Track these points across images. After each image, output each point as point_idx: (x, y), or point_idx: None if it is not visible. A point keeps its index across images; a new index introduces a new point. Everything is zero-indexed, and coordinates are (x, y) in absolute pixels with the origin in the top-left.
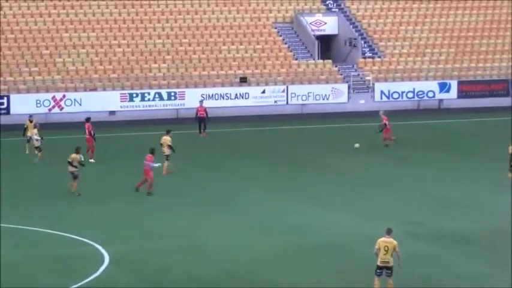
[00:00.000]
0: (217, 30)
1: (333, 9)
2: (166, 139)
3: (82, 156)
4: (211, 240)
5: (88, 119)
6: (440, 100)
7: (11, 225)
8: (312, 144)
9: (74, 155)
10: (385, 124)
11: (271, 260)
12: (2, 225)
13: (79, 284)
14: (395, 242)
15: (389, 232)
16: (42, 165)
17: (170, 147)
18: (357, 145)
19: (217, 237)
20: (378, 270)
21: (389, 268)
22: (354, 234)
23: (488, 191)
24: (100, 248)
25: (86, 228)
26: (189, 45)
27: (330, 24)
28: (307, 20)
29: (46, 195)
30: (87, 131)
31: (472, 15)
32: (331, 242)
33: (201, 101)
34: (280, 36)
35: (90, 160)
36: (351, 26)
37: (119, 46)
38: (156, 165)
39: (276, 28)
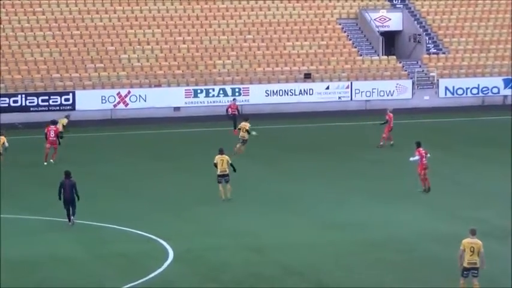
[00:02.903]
0: (281, 26)
1: (397, 5)
2: (246, 125)
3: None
4: (272, 237)
5: (54, 122)
6: (505, 96)
7: (76, 221)
8: (376, 140)
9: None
10: (387, 121)
11: (332, 257)
12: (65, 220)
13: (143, 280)
14: (480, 243)
15: (473, 233)
16: (106, 162)
17: (248, 131)
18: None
19: (278, 234)
20: (465, 272)
21: (477, 269)
22: (417, 231)
23: None
24: (165, 244)
25: (150, 224)
26: (254, 41)
27: (394, 20)
28: (372, 16)
29: (111, 191)
30: (54, 133)
31: None
32: (393, 239)
33: (234, 99)
34: (345, 32)
35: (51, 160)
36: (416, 22)
37: (184, 42)
38: (415, 158)
39: (340, 24)
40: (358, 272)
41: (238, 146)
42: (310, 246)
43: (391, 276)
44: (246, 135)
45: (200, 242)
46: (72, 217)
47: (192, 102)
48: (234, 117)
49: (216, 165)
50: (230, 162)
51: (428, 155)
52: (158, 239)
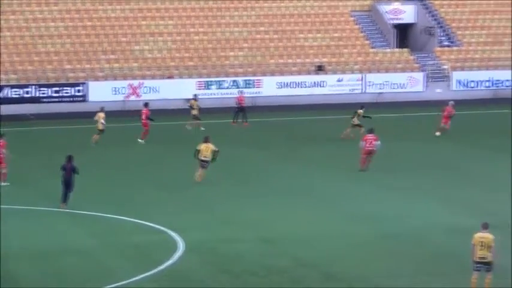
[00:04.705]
0: (294, 18)
1: None
2: (360, 112)
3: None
4: (285, 229)
5: (146, 104)
6: None
7: (87, 212)
8: (388, 133)
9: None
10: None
11: (345, 249)
12: (77, 212)
13: (153, 271)
14: (491, 237)
15: (485, 227)
16: (118, 152)
17: (364, 117)
18: (438, 133)
19: (291, 226)
20: (476, 265)
21: (487, 263)
22: (432, 223)
23: None
24: (175, 235)
25: (161, 215)
26: (266, 33)
27: (407, 13)
28: (385, 8)
29: (121, 182)
30: (144, 116)
31: None
32: (408, 232)
33: (241, 91)
34: (358, 24)
35: (139, 140)
36: (429, 15)
37: (196, 34)
38: (378, 142)
39: (353, 16)
40: (370, 264)
41: (348, 130)
42: (323, 238)
43: (403, 269)
44: (356, 121)
45: (212, 233)
46: (66, 201)
47: (204, 94)
48: (243, 109)
49: (198, 151)
50: (216, 150)
51: (378, 142)
52: (169, 231)
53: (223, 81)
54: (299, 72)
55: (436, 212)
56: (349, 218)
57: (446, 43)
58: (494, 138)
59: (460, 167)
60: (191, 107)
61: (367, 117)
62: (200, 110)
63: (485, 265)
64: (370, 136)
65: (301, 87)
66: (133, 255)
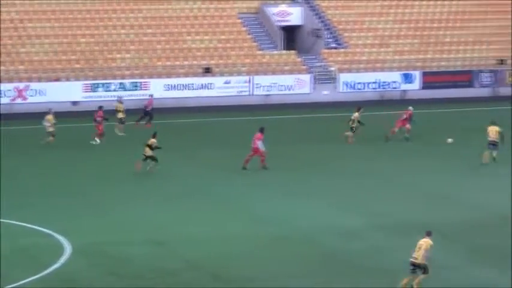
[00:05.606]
0: (181, 20)
1: (297, 0)
2: (356, 116)
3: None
4: (177, 231)
5: (101, 107)
6: (404, 91)
7: None
8: (276, 134)
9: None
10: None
11: (238, 250)
12: None
13: (39, 275)
14: (430, 243)
15: (427, 234)
16: (5, 157)
17: (360, 122)
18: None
19: (184, 228)
20: (410, 267)
21: (416, 265)
22: (323, 225)
23: (455, 181)
24: (62, 238)
25: (48, 218)
26: (154, 35)
27: (294, 15)
28: (272, 10)
29: (10, 186)
30: (99, 117)
31: (437, 7)
32: (299, 233)
33: (151, 95)
34: (245, 26)
35: (95, 140)
36: (316, 17)
37: (83, 36)
38: (259, 142)
39: (240, 18)
40: (260, 265)
41: (348, 133)
42: (215, 240)
43: (293, 269)
44: (354, 124)
45: (102, 236)
46: None
47: (90, 97)
48: (148, 112)
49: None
50: (153, 145)
51: (258, 141)
52: (56, 234)
53: (110, 83)
54: (186, 75)
55: (327, 213)
56: (241, 220)
57: (333, 45)
58: (379, 140)
59: (347, 169)
60: (116, 111)
61: (360, 123)
62: (125, 112)
63: (413, 265)
64: (256, 135)
65: (188, 89)
66: (20, 259)
